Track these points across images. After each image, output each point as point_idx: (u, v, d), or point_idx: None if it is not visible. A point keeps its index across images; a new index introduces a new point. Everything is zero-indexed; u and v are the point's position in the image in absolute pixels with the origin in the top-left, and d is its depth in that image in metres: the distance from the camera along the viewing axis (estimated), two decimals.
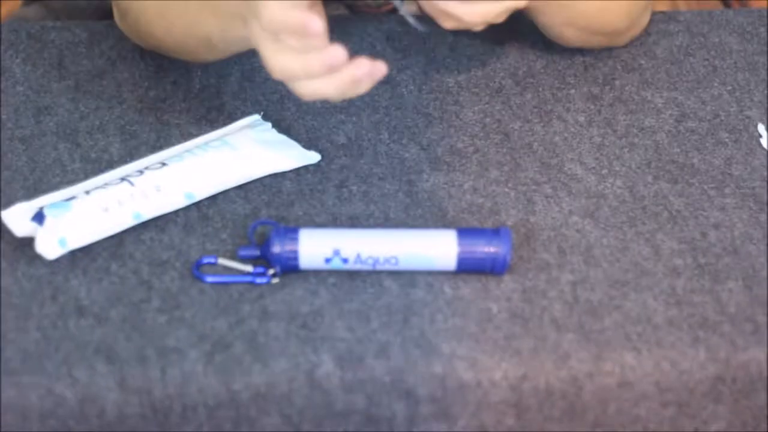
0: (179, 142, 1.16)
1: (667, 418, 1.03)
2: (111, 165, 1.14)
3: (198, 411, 0.98)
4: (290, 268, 1.04)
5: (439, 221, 1.11)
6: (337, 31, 1.29)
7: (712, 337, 1.02)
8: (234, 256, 1.06)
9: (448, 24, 1.08)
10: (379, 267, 1.05)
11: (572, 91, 1.25)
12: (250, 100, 1.21)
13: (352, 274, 1.05)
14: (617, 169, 1.17)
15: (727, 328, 1.03)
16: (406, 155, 1.17)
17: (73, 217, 1.05)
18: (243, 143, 1.14)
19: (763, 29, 1.33)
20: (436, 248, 1.04)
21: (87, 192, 1.07)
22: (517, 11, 1.12)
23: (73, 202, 1.06)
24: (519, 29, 1.31)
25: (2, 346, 0.99)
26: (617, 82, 1.26)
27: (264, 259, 1.05)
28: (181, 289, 1.04)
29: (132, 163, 1.13)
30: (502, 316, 1.03)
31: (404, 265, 1.05)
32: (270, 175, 1.14)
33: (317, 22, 0.95)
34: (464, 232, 1.05)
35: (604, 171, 1.16)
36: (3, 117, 1.18)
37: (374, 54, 1.27)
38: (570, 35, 1.24)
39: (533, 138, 1.19)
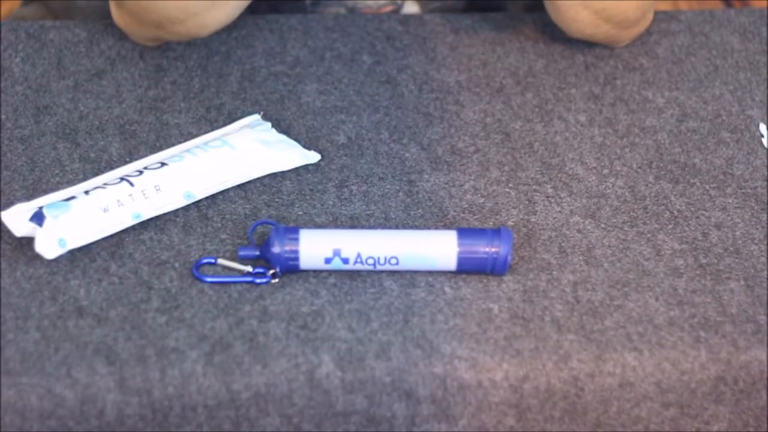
0: (179, 141, 1.16)
1: (668, 419, 1.02)
2: (110, 165, 1.13)
3: (198, 411, 0.98)
4: (290, 268, 1.04)
5: (440, 221, 1.10)
6: (337, 31, 1.29)
7: (714, 337, 1.02)
8: (234, 257, 1.06)
9: None
10: (379, 267, 1.04)
11: (573, 90, 1.24)
12: (250, 100, 1.21)
13: (352, 275, 1.05)
14: (618, 168, 1.16)
15: (729, 329, 1.03)
16: (407, 155, 1.16)
17: (73, 217, 1.05)
18: (243, 143, 1.13)
19: (764, 29, 1.33)
20: (436, 248, 1.04)
21: (86, 192, 1.07)
22: None
23: (72, 202, 1.06)
24: (519, 29, 1.31)
25: (2, 346, 0.98)
26: (618, 82, 1.26)
27: (264, 260, 1.05)
28: (180, 290, 1.03)
29: (131, 163, 1.13)
30: (502, 316, 1.03)
31: (404, 265, 1.05)
32: (270, 175, 1.14)
33: None
34: (464, 232, 1.05)
35: (605, 171, 1.16)
36: (2, 117, 1.18)
37: (374, 54, 1.27)
38: (583, 18, 1.23)
39: (534, 138, 1.19)
